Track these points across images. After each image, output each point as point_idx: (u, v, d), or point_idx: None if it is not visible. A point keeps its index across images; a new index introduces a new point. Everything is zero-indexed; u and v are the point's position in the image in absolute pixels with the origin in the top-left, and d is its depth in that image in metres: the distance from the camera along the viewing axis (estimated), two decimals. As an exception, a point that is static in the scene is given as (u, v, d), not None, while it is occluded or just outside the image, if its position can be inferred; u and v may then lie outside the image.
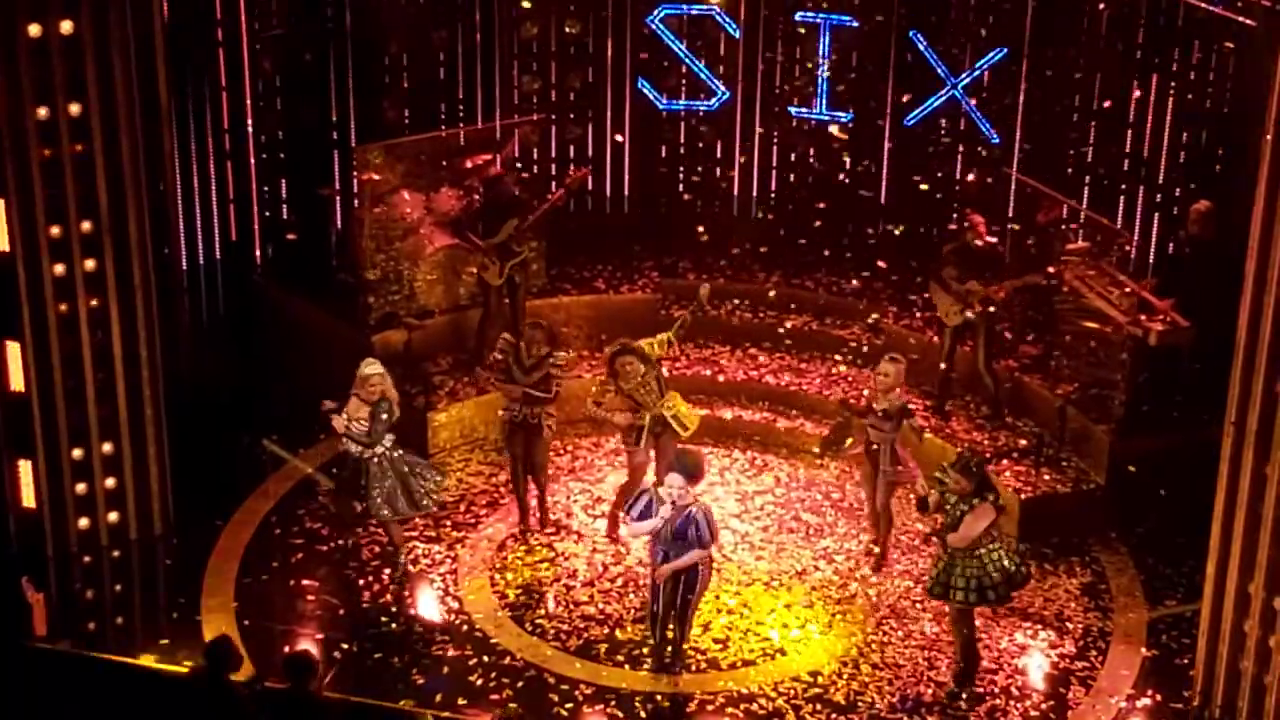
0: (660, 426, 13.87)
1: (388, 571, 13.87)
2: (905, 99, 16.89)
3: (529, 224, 16.01)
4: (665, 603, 12.61)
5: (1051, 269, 14.93)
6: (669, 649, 12.81)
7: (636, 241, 17.71)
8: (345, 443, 13.43)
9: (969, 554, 12.39)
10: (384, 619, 13.37)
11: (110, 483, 13.97)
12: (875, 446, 13.71)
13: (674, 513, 12.25)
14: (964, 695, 12.70)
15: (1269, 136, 11.24)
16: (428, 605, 13.56)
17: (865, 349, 16.18)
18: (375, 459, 13.35)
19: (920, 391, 15.71)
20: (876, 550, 14.04)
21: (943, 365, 15.40)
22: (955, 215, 16.52)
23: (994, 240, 15.06)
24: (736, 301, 16.96)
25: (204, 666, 11.10)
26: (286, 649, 12.60)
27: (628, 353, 13.81)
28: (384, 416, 13.29)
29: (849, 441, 14.19)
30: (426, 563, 14.07)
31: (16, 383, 13.43)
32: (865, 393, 14.10)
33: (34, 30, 12.55)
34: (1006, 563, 12.47)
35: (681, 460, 12.52)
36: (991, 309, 14.96)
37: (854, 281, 16.80)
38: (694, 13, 17.40)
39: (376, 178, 15.80)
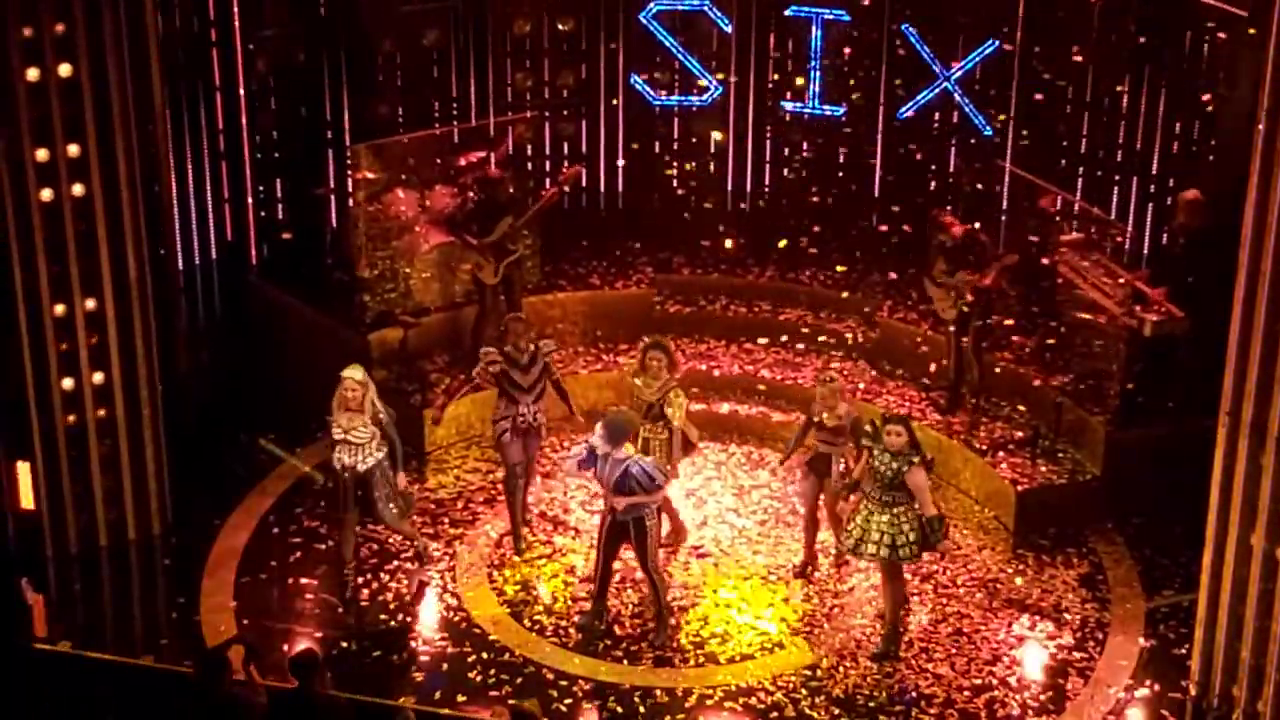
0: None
1: (386, 571, 13.93)
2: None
3: (523, 222, 16.02)
4: (605, 566, 13.06)
5: (1028, 247, 15.03)
6: (654, 620, 13.17)
7: (631, 237, 17.72)
8: (341, 457, 13.31)
9: (884, 510, 12.61)
10: (383, 616, 13.41)
11: (108, 483, 13.98)
12: (825, 455, 13.69)
13: (611, 465, 12.60)
14: (889, 654, 12.98)
15: (1260, 126, 11.27)
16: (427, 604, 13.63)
17: (860, 339, 16.29)
18: (376, 468, 13.33)
19: (918, 384, 15.80)
20: (815, 560, 14.06)
21: (945, 362, 15.38)
22: (950, 207, 16.56)
23: (969, 229, 15.04)
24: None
25: (200, 677, 11.11)
26: (286, 648, 12.64)
27: (659, 349, 13.83)
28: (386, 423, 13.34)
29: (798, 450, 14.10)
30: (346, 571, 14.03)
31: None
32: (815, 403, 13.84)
33: (27, 32, 12.58)
34: (921, 522, 12.69)
35: (608, 418, 12.87)
36: (987, 295, 14.96)
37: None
38: (686, 8, 17.43)
39: (371, 176, 15.81)
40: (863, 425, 13.16)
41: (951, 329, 15.17)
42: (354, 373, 13.22)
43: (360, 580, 13.71)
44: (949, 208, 15.75)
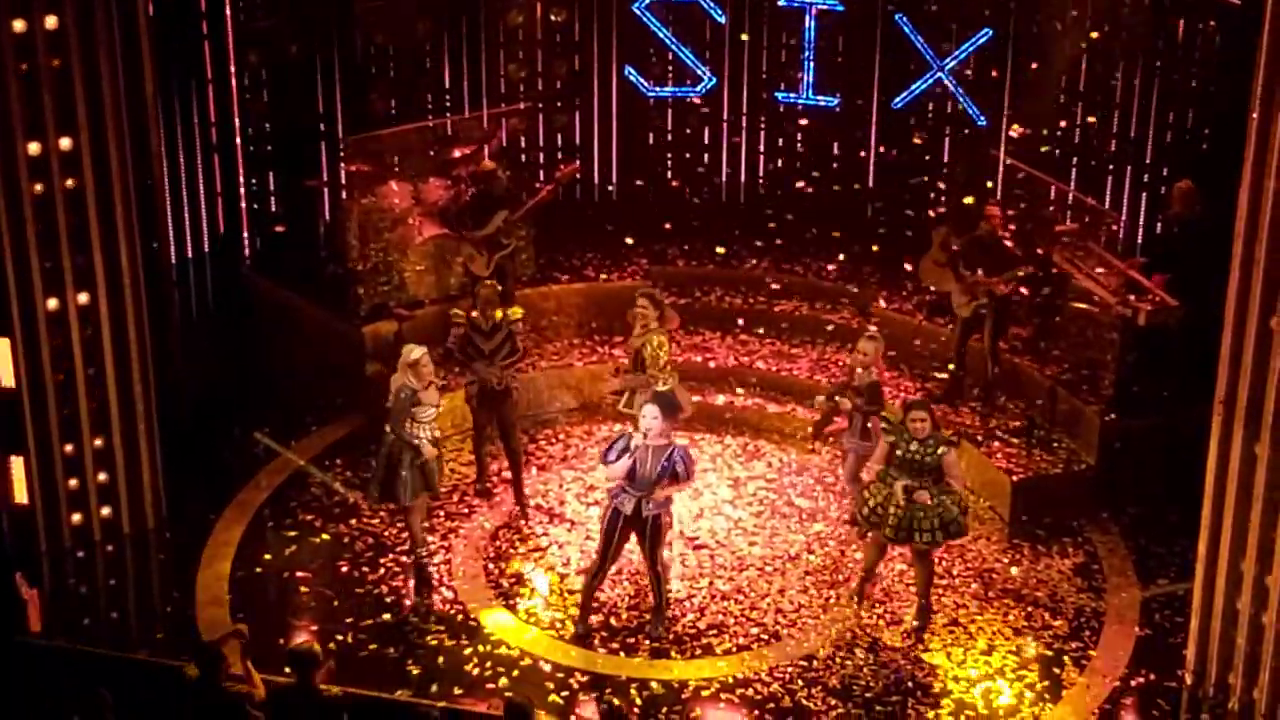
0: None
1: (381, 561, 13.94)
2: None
3: (518, 217, 15.99)
4: (611, 563, 12.88)
5: (1038, 254, 14.98)
6: (651, 612, 13.08)
7: (625, 229, 17.70)
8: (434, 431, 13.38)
9: (930, 496, 12.66)
10: (378, 609, 13.41)
11: (102, 477, 13.96)
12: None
13: (653, 456, 12.45)
14: (924, 632, 13.04)
15: (1254, 115, 11.26)
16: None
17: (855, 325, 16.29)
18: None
19: (915, 374, 15.81)
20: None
21: (952, 366, 15.36)
22: (944, 199, 16.54)
23: (1005, 233, 15.05)
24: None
25: (197, 673, 11.09)
26: (282, 641, 12.62)
27: (645, 297, 14.00)
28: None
29: (832, 422, 14.28)
30: (422, 553, 14.07)
31: (7, 379, 13.43)
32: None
33: (19, 26, 12.56)
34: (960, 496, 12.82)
35: (660, 395, 12.86)
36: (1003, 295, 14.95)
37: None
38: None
39: (365, 169, 15.80)
40: (879, 390, 13.26)
41: (961, 321, 15.18)
42: (421, 347, 13.26)
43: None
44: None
